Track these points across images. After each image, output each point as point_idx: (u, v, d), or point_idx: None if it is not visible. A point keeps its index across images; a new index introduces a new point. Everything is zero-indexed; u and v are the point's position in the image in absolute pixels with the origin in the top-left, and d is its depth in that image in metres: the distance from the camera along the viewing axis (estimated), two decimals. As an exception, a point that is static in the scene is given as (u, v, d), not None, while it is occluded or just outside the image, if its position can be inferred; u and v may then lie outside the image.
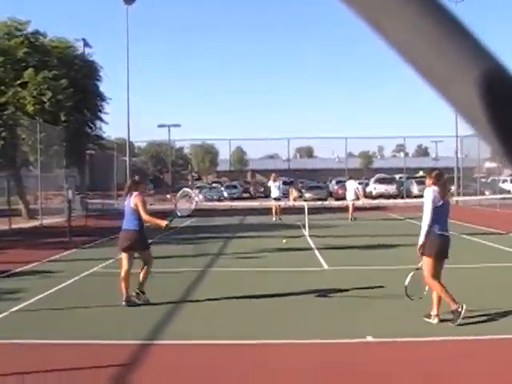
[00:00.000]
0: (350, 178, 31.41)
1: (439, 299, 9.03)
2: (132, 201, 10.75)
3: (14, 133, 30.14)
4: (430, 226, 9.19)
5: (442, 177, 9.40)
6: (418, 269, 9.58)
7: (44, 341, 8.29)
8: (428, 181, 9.48)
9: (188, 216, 12.48)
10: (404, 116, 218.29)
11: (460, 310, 8.70)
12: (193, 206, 12.07)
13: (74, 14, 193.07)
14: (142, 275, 10.80)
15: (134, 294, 10.68)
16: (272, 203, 30.37)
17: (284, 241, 18.98)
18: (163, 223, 10.90)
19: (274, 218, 26.13)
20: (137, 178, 11.70)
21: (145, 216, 10.71)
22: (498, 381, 6.64)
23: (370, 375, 6.78)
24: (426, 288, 9.42)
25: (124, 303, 10.36)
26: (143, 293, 10.74)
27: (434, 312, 9.06)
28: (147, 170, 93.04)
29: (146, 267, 10.87)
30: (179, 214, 11.79)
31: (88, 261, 15.80)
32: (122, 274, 10.63)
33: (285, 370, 6.98)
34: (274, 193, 30.62)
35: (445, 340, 8.13)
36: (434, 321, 8.98)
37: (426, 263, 9.22)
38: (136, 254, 11.10)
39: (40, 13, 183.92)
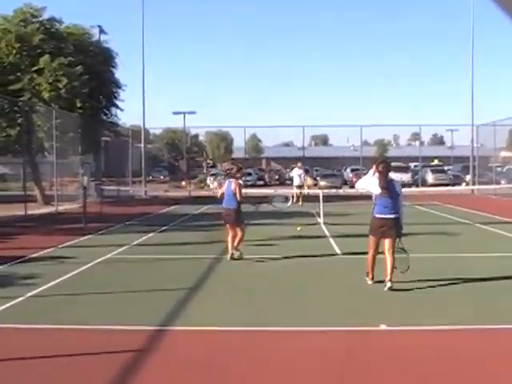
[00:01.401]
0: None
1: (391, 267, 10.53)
2: (232, 186, 14.01)
3: (29, 119, 30.24)
4: (373, 209, 10.81)
5: (381, 165, 10.66)
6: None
7: (59, 326, 8.35)
8: (374, 169, 10.87)
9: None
10: (419, 105, 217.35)
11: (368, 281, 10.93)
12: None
13: (90, 1, 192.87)
14: (237, 240, 14.01)
15: (234, 252, 13.94)
16: (294, 190, 31.18)
17: (298, 228, 18.99)
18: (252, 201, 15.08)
19: (289, 203, 26.16)
20: (235, 168, 14.72)
21: (240, 198, 14.03)
22: None
23: (384, 362, 6.78)
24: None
25: (229, 258, 13.84)
26: (237, 250, 14.04)
27: (387, 280, 10.47)
28: (162, 156, 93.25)
29: (239, 236, 13.99)
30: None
31: (103, 247, 15.87)
32: (228, 239, 14.07)
33: (296, 357, 6.99)
34: (296, 180, 32.65)
35: (461, 329, 8.13)
36: (388, 284, 10.41)
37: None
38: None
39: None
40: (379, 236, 10.72)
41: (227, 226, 14.17)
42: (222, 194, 14.19)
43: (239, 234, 13.99)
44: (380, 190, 10.57)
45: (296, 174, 32.89)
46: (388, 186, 10.59)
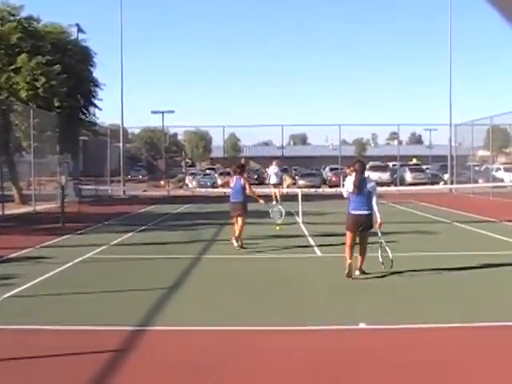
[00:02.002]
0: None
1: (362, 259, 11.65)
2: (242, 181, 15.51)
3: (7, 118, 30.00)
4: (348, 206, 11.73)
5: (357, 164, 11.67)
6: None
7: (37, 326, 8.30)
8: (349, 170, 12.29)
9: None
10: (398, 104, 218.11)
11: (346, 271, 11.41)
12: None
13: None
14: (238, 229, 15.40)
15: (236, 243, 15.35)
16: (271, 189, 30.15)
17: (277, 227, 19.01)
18: (260, 200, 16.51)
19: (274, 202, 26.01)
20: (241, 164, 16.89)
21: (249, 192, 15.62)
22: (495, 367, 6.67)
23: (365, 361, 6.81)
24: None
25: (238, 248, 15.28)
26: (237, 240, 15.41)
27: (358, 265, 11.63)
28: (141, 155, 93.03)
29: (241, 225, 15.39)
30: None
31: (81, 247, 15.80)
32: (234, 228, 15.68)
33: (272, 357, 7.00)
34: (273, 179, 30.68)
35: (440, 327, 8.18)
36: (356, 273, 11.55)
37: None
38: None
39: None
40: (355, 230, 11.55)
41: (234, 218, 15.58)
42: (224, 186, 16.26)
43: (241, 224, 15.30)
44: (353, 187, 11.45)
45: (272, 171, 30.70)
46: (360, 184, 11.43)
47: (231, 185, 15.78)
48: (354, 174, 11.61)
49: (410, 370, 6.53)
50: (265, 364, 6.80)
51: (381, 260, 11.79)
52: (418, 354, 7.04)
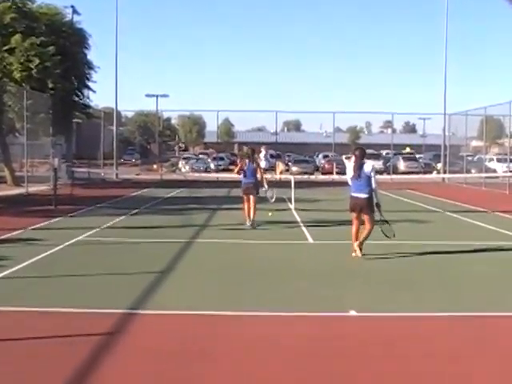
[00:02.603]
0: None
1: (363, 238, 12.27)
2: (254, 165, 17.15)
3: (0, 99, 29.88)
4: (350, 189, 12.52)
5: (357, 151, 12.58)
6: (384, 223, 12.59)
7: (28, 308, 8.29)
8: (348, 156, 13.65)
9: None
10: (392, 93, 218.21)
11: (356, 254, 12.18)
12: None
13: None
14: (252, 210, 16.83)
15: (248, 223, 16.83)
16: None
17: (270, 213, 19.00)
18: (265, 185, 18.33)
19: (263, 188, 25.97)
20: (252, 149, 17.91)
21: (260, 175, 17.49)
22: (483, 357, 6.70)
23: (354, 349, 6.83)
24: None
25: (249, 226, 16.71)
26: (250, 220, 16.89)
27: (360, 239, 12.28)
28: (134, 139, 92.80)
29: (254, 205, 16.84)
30: None
31: (73, 229, 15.77)
32: (245, 208, 17.06)
33: (265, 342, 7.02)
34: (262, 164, 30.13)
35: (429, 316, 8.22)
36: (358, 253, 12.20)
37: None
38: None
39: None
40: (357, 212, 12.31)
41: (246, 197, 16.99)
42: (239, 172, 17.30)
43: (253, 204, 16.81)
44: (353, 172, 12.26)
45: (263, 157, 30.23)
46: (359, 169, 12.18)
47: (244, 168, 17.08)
48: (352, 159, 12.56)
49: (394, 358, 6.55)
50: (252, 350, 6.80)
51: (382, 230, 12.59)
52: (405, 344, 7.07)
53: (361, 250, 12.17)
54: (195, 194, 28.98)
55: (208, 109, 60.45)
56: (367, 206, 12.16)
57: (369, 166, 12.36)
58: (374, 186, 12.17)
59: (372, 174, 12.17)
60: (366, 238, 12.26)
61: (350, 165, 12.70)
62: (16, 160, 35.78)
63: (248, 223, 16.81)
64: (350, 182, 12.48)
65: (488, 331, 7.69)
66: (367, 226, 12.22)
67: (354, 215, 12.40)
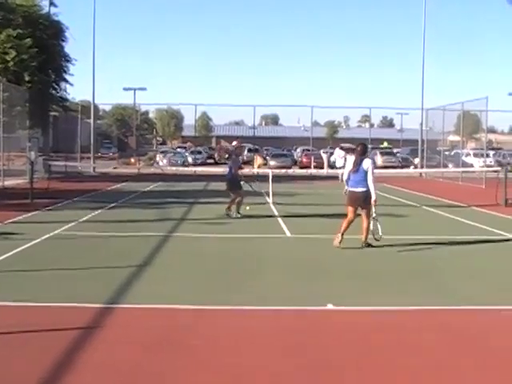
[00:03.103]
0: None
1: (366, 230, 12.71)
2: (240, 160, 18.47)
3: (-25, 92, 29.62)
4: (346, 183, 13.02)
5: (359, 146, 13.13)
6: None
7: (4, 303, 8.23)
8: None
9: None
10: (370, 87, 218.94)
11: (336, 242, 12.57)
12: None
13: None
14: (236, 204, 17.62)
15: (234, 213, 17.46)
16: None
17: (247, 207, 18.97)
18: (244, 179, 18.83)
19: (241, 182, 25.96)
20: (235, 146, 19.04)
21: (234, 171, 17.74)
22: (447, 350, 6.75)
23: (331, 342, 6.86)
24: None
25: (236, 215, 17.49)
26: (239, 212, 17.62)
27: (362, 239, 12.74)
28: (111, 133, 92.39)
29: (237, 200, 17.58)
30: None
31: (50, 223, 15.67)
32: (236, 201, 17.63)
33: (246, 336, 7.04)
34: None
35: (411, 310, 8.27)
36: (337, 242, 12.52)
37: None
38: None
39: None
40: (352, 205, 12.83)
41: (229, 192, 17.84)
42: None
43: (238, 198, 17.57)
44: (352, 166, 12.76)
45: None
46: (358, 164, 12.65)
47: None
48: (348, 156, 13.41)
49: (371, 349, 6.59)
50: (228, 342, 6.83)
51: (372, 233, 12.82)
52: (381, 335, 7.12)
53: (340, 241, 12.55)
54: (173, 188, 28.92)
55: (186, 102, 60.26)
56: (365, 200, 12.54)
57: (367, 162, 12.69)
58: (370, 181, 12.50)
59: (369, 170, 12.52)
60: (368, 232, 12.74)
61: (350, 159, 13.18)
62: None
63: (234, 215, 17.54)
64: (345, 177, 13.03)
65: (460, 325, 7.76)
66: (365, 220, 12.65)
67: (350, 209, 12.81)
